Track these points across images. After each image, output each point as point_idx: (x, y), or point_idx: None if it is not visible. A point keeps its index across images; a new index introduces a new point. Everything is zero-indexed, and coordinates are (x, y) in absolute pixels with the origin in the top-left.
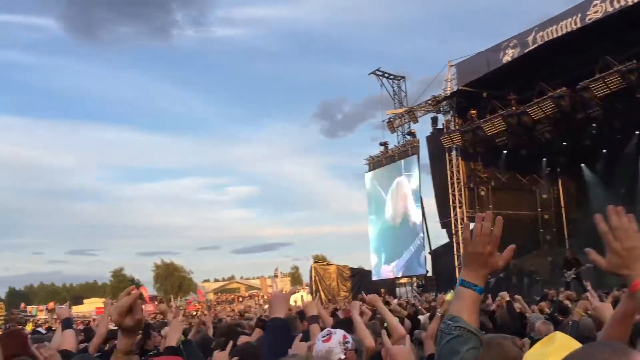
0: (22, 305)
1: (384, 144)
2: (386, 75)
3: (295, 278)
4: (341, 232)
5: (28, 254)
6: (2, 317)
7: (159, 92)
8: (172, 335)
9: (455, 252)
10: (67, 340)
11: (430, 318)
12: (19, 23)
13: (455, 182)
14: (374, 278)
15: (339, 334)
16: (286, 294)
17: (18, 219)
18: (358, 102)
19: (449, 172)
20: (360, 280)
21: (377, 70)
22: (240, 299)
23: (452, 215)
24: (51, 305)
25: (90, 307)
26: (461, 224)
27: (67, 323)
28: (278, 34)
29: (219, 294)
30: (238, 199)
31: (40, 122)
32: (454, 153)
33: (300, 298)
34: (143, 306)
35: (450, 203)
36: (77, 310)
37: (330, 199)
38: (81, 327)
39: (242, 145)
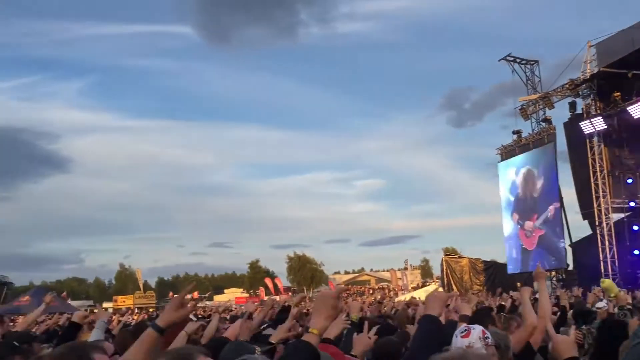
0: (170, 294)
1: (517, 132)
2: (518, 60)
3: (425, 271)
4: (472, 224)
5: (173, 247)
6: (154, 305)
7: (287, 91)
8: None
9: (599, 244)
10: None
11: (574, 315)
12: (160, 32)
13: (598, 170)
14: (510, 271)
15: (478, 329)
16: (444, 294)
17: (164, 214)
18: (487, 90)
19: (590, 159)
20: (494, 273)
21: (508, 55)
22: (371, 291)
23: (595, 205)
24: (195, 294)
25: (230, 296)
26: (606, 215)
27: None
28: (402, 25)
29: (350, 286)
30: (366, 192)
31: (181, 124)
32: (595, 139)
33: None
34: (278, 297)
35: (593, 193)
36: (218, 299)
37: (460, 191)
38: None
39: (369, 139)
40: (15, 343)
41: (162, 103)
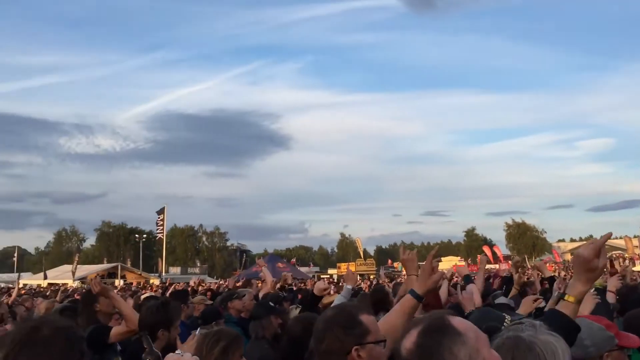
0: (389, 261)
1: None
2: None
3: None
4: None
5: (389, 216)
6: (373, 272)
7: (495, 51)
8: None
9: None
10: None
11: None
12: (367, 7)
13: None
14: None
15: None
16: None
17: (379, 184)
18: None
19: None
20: None
21: None
22: None
23: None
24: None
25: (447, 265)
26: None
27: (467, 279)
28: None
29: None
30: (591, 153)
31: (392, 95)
32: None
33: None
34: (497, 265)
35: None
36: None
37: None
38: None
39: (592, 95)
40: (271, 303)
41: (373, 76)
